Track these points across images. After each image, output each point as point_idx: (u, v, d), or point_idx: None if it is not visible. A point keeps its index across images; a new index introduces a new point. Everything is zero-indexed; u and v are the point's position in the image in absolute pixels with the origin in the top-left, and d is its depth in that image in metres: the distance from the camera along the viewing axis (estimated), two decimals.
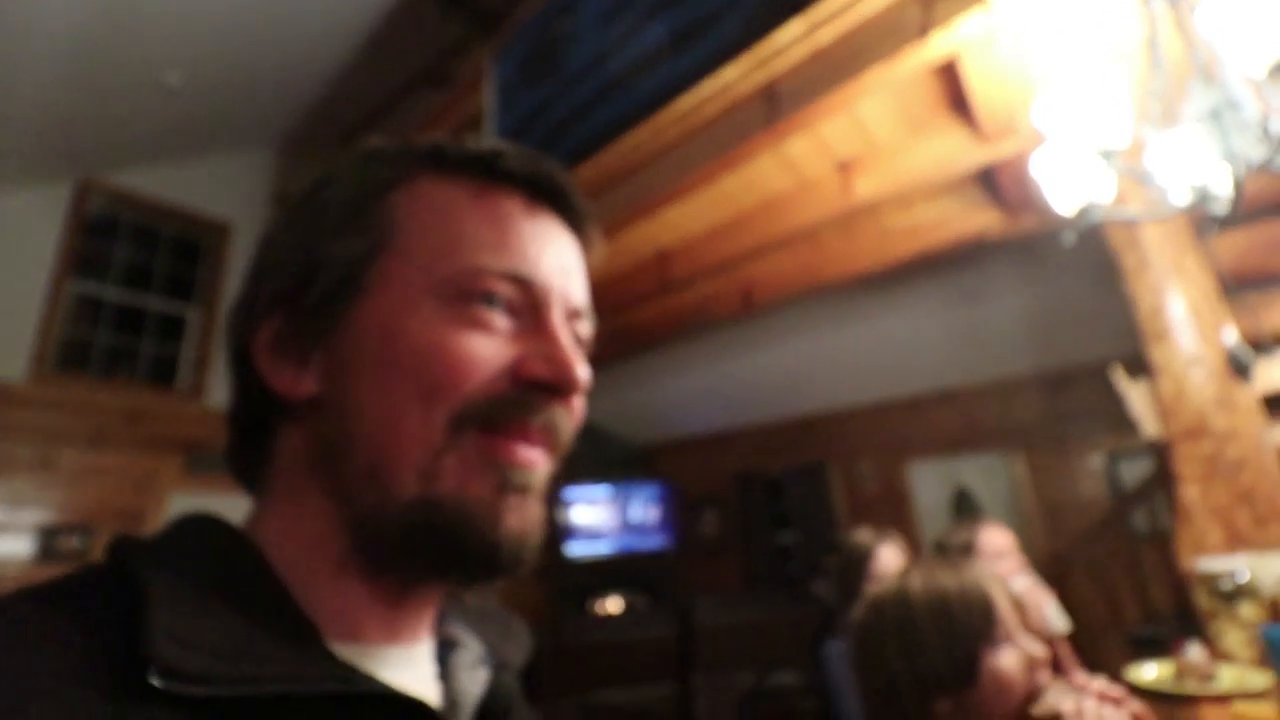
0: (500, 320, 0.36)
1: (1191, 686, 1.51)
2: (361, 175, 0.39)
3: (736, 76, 2.10)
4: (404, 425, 0.34)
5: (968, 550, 1.65)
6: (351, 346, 0.36)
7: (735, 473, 6.71)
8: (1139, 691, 1.55)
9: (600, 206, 2.53)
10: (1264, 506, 1.81)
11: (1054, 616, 1.59)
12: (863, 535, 1.72)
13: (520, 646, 0.46)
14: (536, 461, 0.37)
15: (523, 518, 0.35)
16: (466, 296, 0.36)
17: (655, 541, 6.81)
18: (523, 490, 0.36)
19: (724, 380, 5.91)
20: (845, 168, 2.63)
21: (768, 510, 6.44)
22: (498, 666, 0.42)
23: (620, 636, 3.87)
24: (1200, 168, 1.34)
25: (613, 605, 6.45)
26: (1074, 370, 4.70)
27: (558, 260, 0.39)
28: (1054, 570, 3.70)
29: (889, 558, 1.61)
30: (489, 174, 0.39)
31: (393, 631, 0.36)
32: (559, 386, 0.37)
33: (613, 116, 2.45)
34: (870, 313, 4.65)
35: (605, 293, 3.48)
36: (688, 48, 2.23)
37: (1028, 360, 4.81)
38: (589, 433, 7.18)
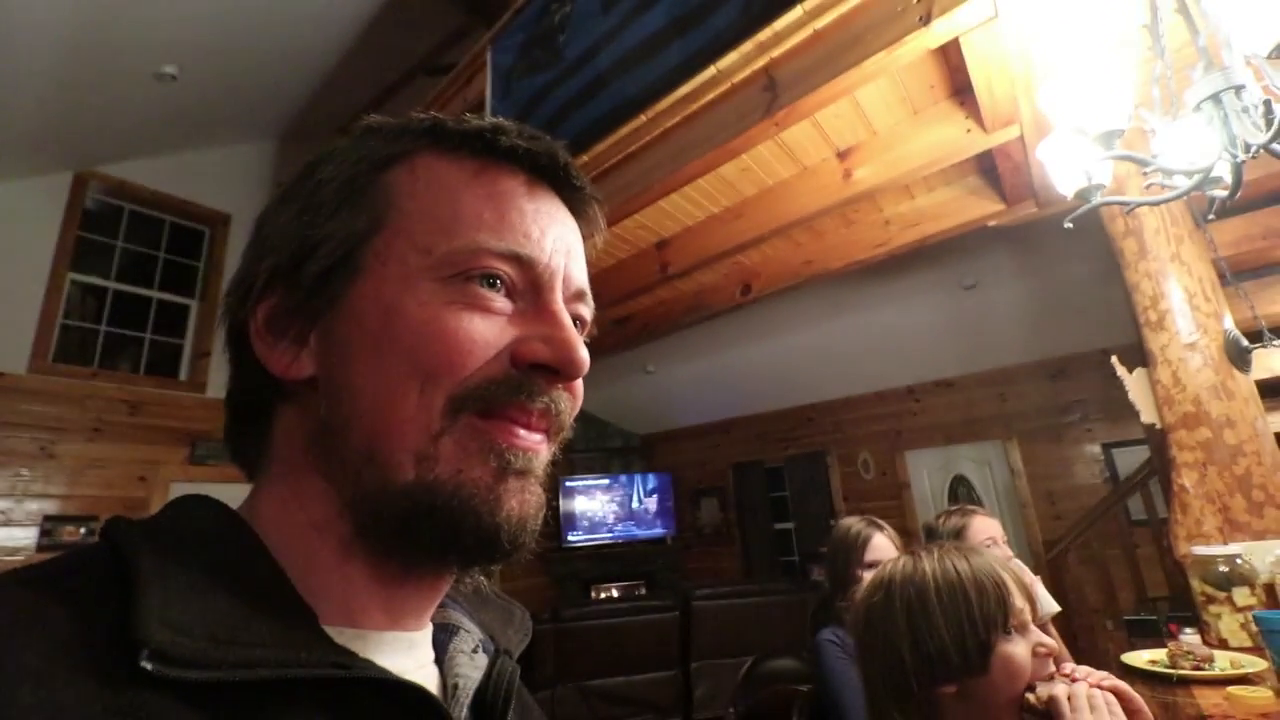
0: (500, 301, 0.36)
1: (1186, 670, 1.53)
2: (359, 152, 0.38)
3: (736, 63, 2.09)
4: (401, 408, 0.33)
5: (957, 536, 1.67)
6: (349, 326, 0.35)
7: (734, 462, 6.74)
8: (1135, 675, 1.57)
9: (600, 195, 2.50)
10: (1259, 493, 1.82)
11: (1044, 599, 1.61)
12: (852, 523, 1.72)
13: (520, 633, 0.45)
14: (536, 445, 0.36)
15: (522, 502, 0.35)
16: (465, 276, 0.35)
17: (655, 530, 6.85)
18: (522, 474, 0.35)
19: (724, 370, 5.91)
20: (845, 156, 2.62)
21: (767, 499, 6.47)
22: (498, 653, 0.41)
23: (621, 623, 3.89)
24: (1202, 153, 1.34)
25: (613, 592, 6.49)
26: (1071, 359, 4.72)
27: (559, 240, 0.38)
28: (1050, 556, 3.72)
29: (882, 545, 1.62)
30: (489, 151, 0.38)
31: (392, 616, 0.35)
32: (560, 369, 0.36)
33: (611, 105, 2.44)
34: (869, 302, 4.64)
35: (606, 282, 3.47)
36: (686, 35, 2.21)
37: (1026, 350, 4.82)
38: (590, 422, 7.22)
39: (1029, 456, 4.87)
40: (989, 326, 4.68)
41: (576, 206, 0.42)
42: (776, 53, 2.01)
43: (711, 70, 2.12)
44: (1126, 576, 3.39)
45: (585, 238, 0.42)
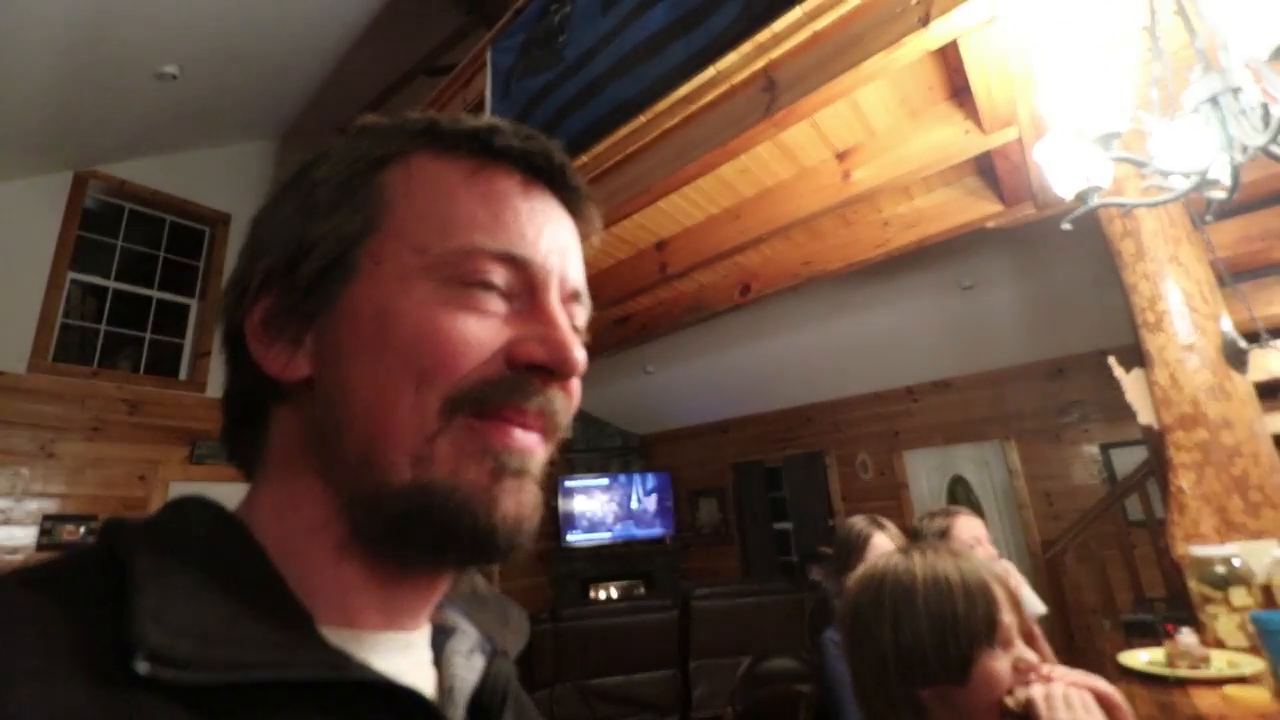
0: (495, 302, 0.36)
1: (1183, 671, 1.53)
2: (354, 152, 0.38)
3: (735, 64, 2.09)
4: (396, 409, 0.33)
5: (942, 537, 1.68)
6: (344, 328, 0.35)
7: (733, 462, 6.74)
8: (1132, 675, 1.57)
9: (599, 195, 2.51)
10: (1256, 494, 1.82)
11: (1030, 600, 1.61)
12: (857, 522, 1.74)
13: (518, 634, 0.45)
14: (532, 446, 0.36)
15: (519, 502, 0.35)
16: (460, 277, 0.35)
17: (654, 530, 6.86)
18: (518, 475, 0.35)
19: (722, 370, 5.92)
20: (844, 157, 2.63)
21: (765, 499, 6.48)
22: (494, 654, 0.41)
23: (620, 623, 3.90)
24: (1200, 154, 1.34)
25: (612, 592, 6.50)
26: (1069, 360, 4.72)
27: (554, 240, 0.38)
28: (1048, 556, 3.73)
29: (882, 545, 1.63)
30: (484, 151, 0.38)
31: (389, 617, 0.35)
32: (555, 369, 0.36)
33: (610, 106, 2.44)
34: (868, 303, 4.65)
35: (605, 282, 3.48)
36: (685, 36, 2.21)
37: (1024, 350, 4.82)
38: (589, 422, 7.22)
39: (1027, 457, 4.87)
40: (987, 327, 4.68)
41: (573, 206, 0.41)
42: (776, 54, 2.01)
43: (711, 71, 2.12)
44: (1124, 577, 3.40)
45: (582, 238, 0.42)
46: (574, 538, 6.53)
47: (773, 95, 2.08)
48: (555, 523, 6.48)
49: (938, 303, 4.55)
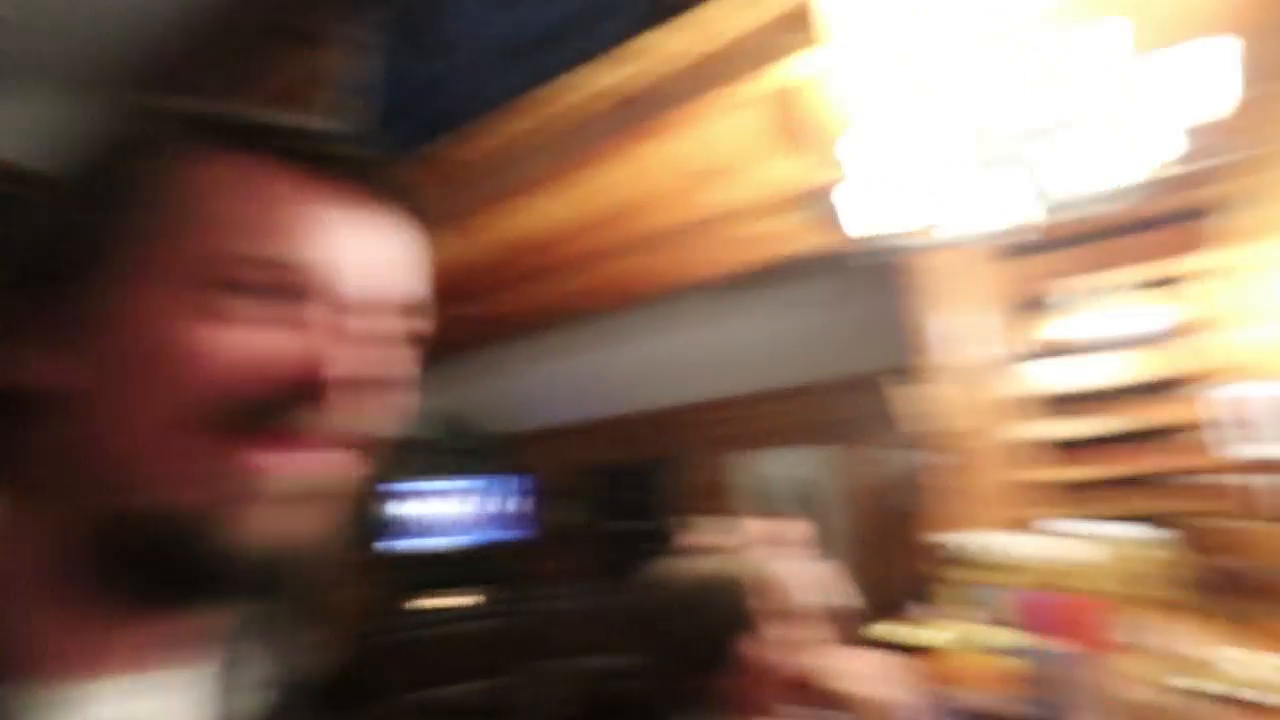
0: (271, 312, 0.32)
1: (917, 640, 1.82)
2: (128, 140, 0.35)
3: (594, 78, 2.16)
4: (138, 428, 0.31)
5: (741, 541, 1.85)
6: (96, 336, 0.32)
7: (592, 463, 6.76)
8: (877, 645, 1.85)
9: (449, 193, 2.47)
10: (1015, 495, 2.16)
11: (833, 593, 1.81)
12: (697, 528, 1.85)
13: (311, 660, 0.43)
14: (305, 466, 0.33)
15: (276, 529, 0.32)
16: (220, 285, 0.31)
17: (508, 533, 6.71)
18: (283, 499, 0.32)
19: (579, 373, 5.99)
20: (692, 179, 2.78)
21: (623, 500, 6.53)
22: (281, 684, 0.40)
23: (453, 631, 3.80)
24: (994, 203, 1.54)
25: (453, 600, 6.25)
26: (866, 376, 5.30)
27: (356, 248, 0.35)
28: (845, 549, 4.23)
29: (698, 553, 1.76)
30: (285, 151, 0.34)
31: (133, 657, 0.33)
32: (316, 385, 0.32)
33: (469, 103, 2.41)
34: (725, 314, 4.98)
35: (453, 283, 3.38)
36: (549, 44, 2.24)
37: (851, 363, 5.35)
38: (441, 421, 6.92)
39: (844, 463, 5.42)
40: (817, 342, 5.18)
41: (388, 210, 0.38)
42: (634, 74, 2.11)
43: (569, 82, 2.18)
44: (894, 570, 3.92)
45: (403, 244, 0.39)
46: (409, 544, 6.15)
47: (629, 113, 2.17)
48: (379, 530, 6.05)
49: (784, 316, 4.97)
